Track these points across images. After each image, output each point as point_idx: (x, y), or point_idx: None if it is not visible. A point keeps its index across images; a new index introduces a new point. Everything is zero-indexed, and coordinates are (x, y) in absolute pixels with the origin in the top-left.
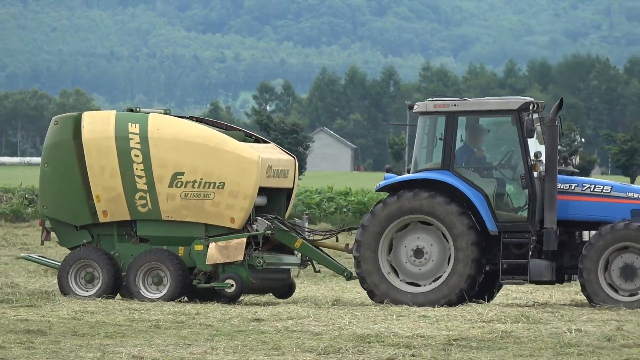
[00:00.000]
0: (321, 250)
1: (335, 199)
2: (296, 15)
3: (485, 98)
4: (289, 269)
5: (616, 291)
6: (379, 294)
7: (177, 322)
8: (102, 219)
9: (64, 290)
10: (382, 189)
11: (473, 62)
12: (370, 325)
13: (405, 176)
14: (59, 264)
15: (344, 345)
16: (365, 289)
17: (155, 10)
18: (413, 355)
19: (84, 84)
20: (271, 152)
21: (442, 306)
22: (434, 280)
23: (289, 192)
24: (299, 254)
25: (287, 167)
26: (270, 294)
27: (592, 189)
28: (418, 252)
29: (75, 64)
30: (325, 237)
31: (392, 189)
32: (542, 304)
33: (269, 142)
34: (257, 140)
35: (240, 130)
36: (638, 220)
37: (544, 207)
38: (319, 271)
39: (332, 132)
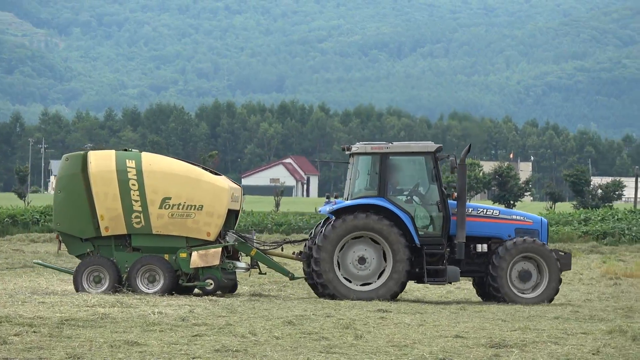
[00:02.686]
0: (270, 257)
1: None
2: None
3: (408, 142)
4: (235, 272)
5: (517, 290)
6: (331, 288)
7: None
8: (104, 233)
9: (78, 288)
10: (334, 212)
11: (80, 109)
12: (1, 309)
13: (353, 201)
14: (65, 269)
15: None
16: (320, 283)
17: None
18: (34, 332)
19: None
20: (227, 182)
21: (389, 300)
22: (368, 283)
23: (236, 212)
24: (245, 260)
25: (238, 194)
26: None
27: (485, 212)
28: (362, 260)
29: None
30: (273, 247)
31: (337, 212)
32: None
33: (220, 175)
34: (212, 173)
35: (199, 165)
36: (533, 237)
37: (450, 226)
38: (265, 273)
39: None
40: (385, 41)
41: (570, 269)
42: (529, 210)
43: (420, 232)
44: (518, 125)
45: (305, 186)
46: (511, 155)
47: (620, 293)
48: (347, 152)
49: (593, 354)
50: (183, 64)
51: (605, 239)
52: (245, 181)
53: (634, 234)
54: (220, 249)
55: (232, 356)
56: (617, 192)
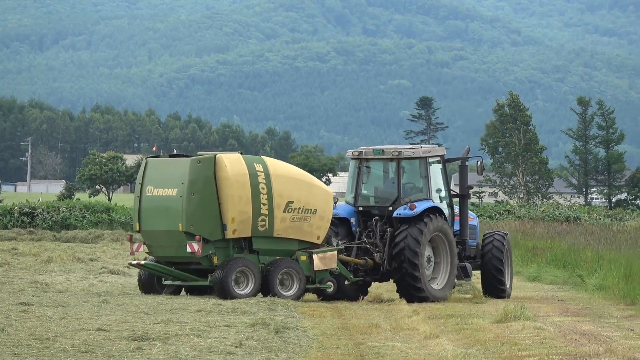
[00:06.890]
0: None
1: None
2: None
3: (427, 146)
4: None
5: None
6: (426, 291)
7: None
8: (230, 235)
9: (228, 292)
10: (417, 214)
11: None
12: None
13: (424, 204)
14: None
15: None
16: (417, 287)
17: None
18: None
19: None
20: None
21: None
22: (432, 279)
23: None
24: None
25: None
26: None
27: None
28: (428, 259)
29: None
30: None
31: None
32: None
33: None
34: None
35: None
36: (475, 232)
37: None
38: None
39: None
40: (27, 33)
41: None
42: None
43: None
44: (161, 118)
45: None
46: (154, 149)
47: None
48: (377, 158)
49: (236, 346)
50: None
51: None
52: None
53: None
54: (336, 252)
55: None
56: None
